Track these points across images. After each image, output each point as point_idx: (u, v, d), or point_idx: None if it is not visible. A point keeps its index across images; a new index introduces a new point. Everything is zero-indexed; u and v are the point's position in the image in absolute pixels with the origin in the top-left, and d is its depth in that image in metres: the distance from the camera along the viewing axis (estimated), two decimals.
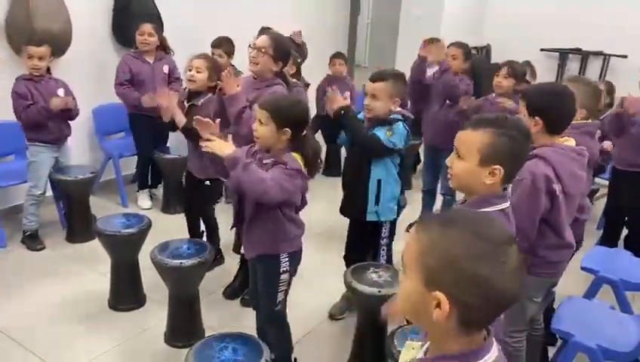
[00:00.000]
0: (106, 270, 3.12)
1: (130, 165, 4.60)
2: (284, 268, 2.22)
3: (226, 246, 3.54)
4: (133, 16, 4.31)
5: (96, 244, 3.17)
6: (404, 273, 0.97)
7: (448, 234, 0.91)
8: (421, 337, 1.12)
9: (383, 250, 2.88)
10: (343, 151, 4.36)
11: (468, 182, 1.61)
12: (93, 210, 3.88)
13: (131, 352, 2.70)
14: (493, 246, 0.89)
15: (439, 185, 4.10)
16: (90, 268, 3.41)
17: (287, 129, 2.05)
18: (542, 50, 6.81)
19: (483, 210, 1.55)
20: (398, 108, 2.66)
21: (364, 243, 2.95)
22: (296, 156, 2.08)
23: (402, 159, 2.78)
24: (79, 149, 4.26)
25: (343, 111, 2.65)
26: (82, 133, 4.32)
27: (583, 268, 2.76)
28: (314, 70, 5.02)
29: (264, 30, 3.56)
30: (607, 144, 3.75)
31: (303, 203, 2.26)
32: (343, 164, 3.22)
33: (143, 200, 4.41)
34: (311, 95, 4.68)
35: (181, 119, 3.00)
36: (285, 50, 2.84)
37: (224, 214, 3.56)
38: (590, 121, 2.53)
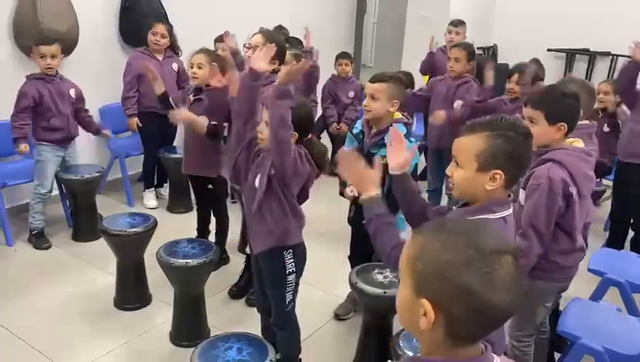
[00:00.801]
0: (111, 269, 3.14)
1: (136, 164, 4.61)
2: (290, 269, 2.21)
3: (231, 245, 3.54)
4: (140, 15, 4.32)
5: (102, 243, 3.18)
6: (400, 278, 0.95)
7: (438, 240, 0.89)
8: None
9: None
10: None
11: (469, 190, 1.54)
12: (100, 209, 3.90)
13: (136, 351, 2.71)
14: (482, 256, 0.85)
15: (444, 186, 4.09)
16: (96, 267, 3.42)
17: (292, 132, 2.04)
18: (549, 50, 6.76)
19: (481, 216, 1.49)
20: (399, 113, 2.62)
21: (369, 244, 2.93)
22: None
23: None
24: (86, 148, 4.27)
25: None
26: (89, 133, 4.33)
27: (589, 270, 2.74)
28: (320, 70, 5.00)
29: (280, 28, 3.47)
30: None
31: (305, 196, 2.25)
32: None
33: (149, 200, 4.41)
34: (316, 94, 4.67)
35: (203, 125, 3.04)
36: (280, 48, 2.84)
37: (230, 214, 3.55)
38: (588, 122, 2.51)
